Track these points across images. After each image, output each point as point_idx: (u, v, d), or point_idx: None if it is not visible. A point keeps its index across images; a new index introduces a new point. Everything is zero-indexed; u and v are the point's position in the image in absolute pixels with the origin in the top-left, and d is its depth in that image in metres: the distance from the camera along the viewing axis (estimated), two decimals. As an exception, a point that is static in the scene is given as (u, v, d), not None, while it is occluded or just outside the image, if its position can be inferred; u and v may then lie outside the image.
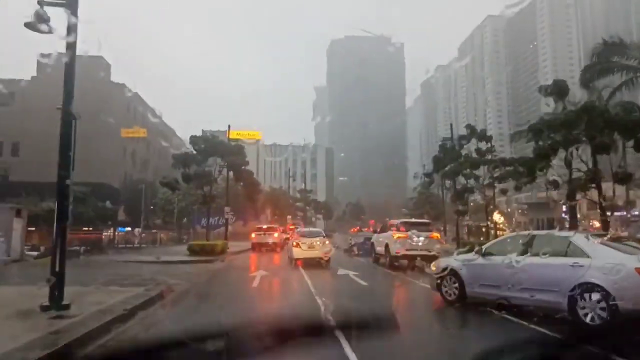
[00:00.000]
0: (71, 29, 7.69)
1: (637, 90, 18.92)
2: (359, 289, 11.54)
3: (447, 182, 33.31)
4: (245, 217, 51.45)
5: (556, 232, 8.84)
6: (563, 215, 33.06)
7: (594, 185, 16.37)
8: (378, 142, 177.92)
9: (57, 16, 7.73)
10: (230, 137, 29.72)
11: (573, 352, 1.90)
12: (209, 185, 26.16)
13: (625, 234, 20.64)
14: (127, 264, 18.04)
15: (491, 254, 8.17)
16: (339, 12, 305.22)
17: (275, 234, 29.82)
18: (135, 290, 9.92)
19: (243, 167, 28.91)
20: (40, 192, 30.57)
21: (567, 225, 22.56)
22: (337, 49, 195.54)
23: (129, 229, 54.00)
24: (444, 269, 8.75)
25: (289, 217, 59.32)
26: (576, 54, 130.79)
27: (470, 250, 9.99)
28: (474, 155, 26.23)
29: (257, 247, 28.35)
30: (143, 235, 51.79)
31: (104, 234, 42.77)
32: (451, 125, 33.57)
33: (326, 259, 16.94)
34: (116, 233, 47.59)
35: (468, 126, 27.47)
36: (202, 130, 26.94)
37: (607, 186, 18.67)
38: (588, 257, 6.66)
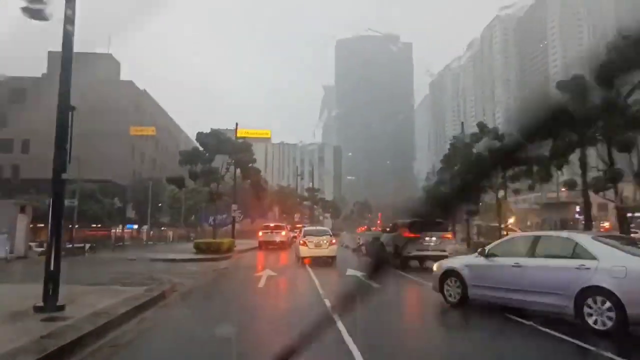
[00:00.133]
0: (68, 16, 7.28)
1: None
2: (370, 290, 11.01)
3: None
4: (252, 215, 51.20)
5: (561, 233, 8.42)
6: (577, 215, 32.31)
7: (613, 185, 15.69)
8: (386, 141, 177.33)
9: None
10: (239, 135, 29.45)
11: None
12: (216, 182, 25.80)
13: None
14: (133, 262, 17.76)
15: (495, 255, 7.93)
16: (347, 11, 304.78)
17: (283, 233, 29.51)
18: (136, 290, 9.55)
19: (250, 165, 28.55)
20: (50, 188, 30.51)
21: (583, 226, 21.86)
22: (345, 49, 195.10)
23: (136, 226, 54.15)
24: (446, 271, 8.55)
25: (296, 215, 58.95)
26: (586, 54, 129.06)
27: None
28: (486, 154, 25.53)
29: (264, 245, 28.10)
30: (151, 232, 51.88)
31: (113, 231, 42.90)
32: (462, 123, 32.89)
33: (332, 256, 17.86)
34: (124, 230, 47.69)
35: (480, 124, 26.82)
36: (211, 128, 26.55)
37: (620, 186, 18.00)
38: (595, 259, 6.35)
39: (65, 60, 7.32)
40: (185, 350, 5.70)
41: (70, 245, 20.97)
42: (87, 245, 25.27)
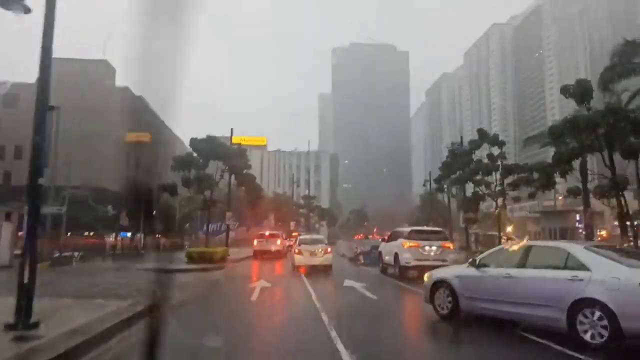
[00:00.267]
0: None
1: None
2: (368, 303, 10.50)
3: (453, 189, 32.29)
4: (248, 223, 50.50)
5: (553, 243, 8.38)
6: (577, 224, 31.88)
7: (617, 192, 15.24)
8: (382, 148, 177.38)
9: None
10: (235, 142, 28.95)
11: None
12: (210, 189, 25.19)
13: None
14: (121, 272, 17.11)
15: (486, 266, 7.70)
16: (344, 20, 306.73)
17: (278, 241, 28.90)
18: (119, 304, 8.94)
19: (245, 171, 27.97)
20: (43, 195, 29.78)
21: (583, 235, 21.40)
22: (342, 57, 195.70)
23: (130, 234, 53.21)
24: (437, 281, 8.31)
25: (292, 223, 58.31)
26: (582, 63, 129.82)
27: None
28: (485, 161, 25.15)
29: (259, 254, 27.51)
30: (146, 240, 50.93)
31: (106, 239, 42.02)
32: (461, 130, 32.52)
33: (327, 265, 17.83)
34: (118, 238, 46.82)
35: (480, 131, 26.43)
36: (207, 135, 25.94)
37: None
38: (588, 270, 6.15)
39: (44, 50, 6.75)
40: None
41: (58, 255, 20.26)
42: (78, 254, 24.48)
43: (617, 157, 17.28)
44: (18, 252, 20.82)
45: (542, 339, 6.31)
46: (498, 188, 24.98)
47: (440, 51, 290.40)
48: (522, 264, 7.10)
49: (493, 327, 7.31)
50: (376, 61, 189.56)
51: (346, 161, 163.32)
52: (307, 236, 22.65)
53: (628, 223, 17.72)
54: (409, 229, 17.23)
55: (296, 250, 18.52)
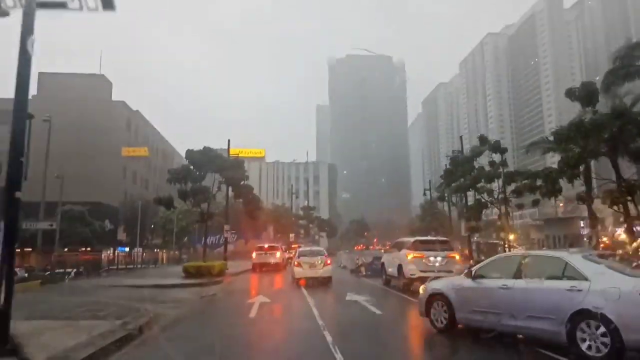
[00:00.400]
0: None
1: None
2: (373, 319, 9.93)
3: (454, 198, 31.82)
4: (246, 235, 49.87)
5: (551, 252, 8.05)
6: (581, 231, 31.33)
7: (629, 197, 14.75)
8: (380, 158, 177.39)
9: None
10: (232, 153, 28.52)
11: None
12: (207, 202, 24.65)
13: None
14: (115, 289, 16.49)
15: (482, 277, 7.45)
16: (341, 31, 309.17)
17: (277, 254, 28.29)
18: (109, 324, 8.36)
19: (243, 182, 27.43)
20: (38, 212, 29.24)
21: (590, 243, 20.85)
22: (339, 68, 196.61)
23: (127, 249, 52.50)
24: (432, 294, 8.10)
25: (291, 235, 57.64)
26: (578, 70, 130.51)
27: None
28: (487, 168, 24.71)
29: (258, 267, 26.93)
30: (144, 255, 50.28)
31: (104, 254, 41.30)
32: (461, 138, 32.16)
33: (327, 277, 17.81)
34: (116, 253, 46.09)
35: (481, 137, 26.04)
36: (204, 146, 25.46)
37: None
38: (586, 280, 5.93)
39: (22, 52, 6.28)
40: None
41: (49, 272, 19.61)
42: (72, 271, 23.84)
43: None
44: (21, 268, 20.26)
45: (554, 353, 6.09)
46: (501, 196, 24.44)
47: (436, 60, 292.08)
48: (519, 275, 6.83)
49: (513, 343, 6.77)
50: (373, 72, 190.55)
51: (345, 172, 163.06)
52: (307, 248, 22.49)
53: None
54: (412, 239, 16.68)
55: (296, 263, 18.51)
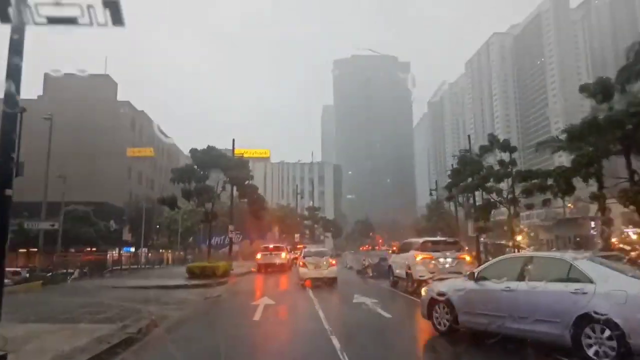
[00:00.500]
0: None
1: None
2: (382, 323, 9.56)
3: (460, 198, 31.35)
4: (251, 235, 49.56)
5: (555, 254, 7.88)
6: (592, 231, 30.75)
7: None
8: (385, 159, 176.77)
9: None
10: (237, 154, 28.28)
11: None
12: (211, 201, 24.35)
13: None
14: (118, 290, 16.22)
15: (485, 279, 7.27)
16: (342, 35, 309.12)
17: (283, 254, 27.98)
18: (107, 328, 8.05)
19: (247, 182, 27.13)
20: (46, 212, 29.14)
21: (605, 244, 20.34)
22: (344, 68, 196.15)
23: (133, 249, 52.43)
24: (434, 296, 7.93)
25: (296, 235, 57.32)
26: (584, 70, 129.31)
27: None
28: (496, 167, 24.25)
29: (263, 268, 26.62)
30: (149, 255, 50.15)
31: (109, 254, 41.16)
32: (469, 136, 31.68)
33: (332, 278, 17.81)
34: (121, 253, 45.99)
35: (490, 136, 25.58)
36: (207, 145, 25.21)
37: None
38: (592, 282, 5.76)
39: (12, 43, 5.97)
40: None
41: (50, 273, 19.36)
42: (76, 271, 23.61)
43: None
44: (26, 268, 19.98)
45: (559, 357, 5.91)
46: (510, 195, 23.97)
47: (441, 61, 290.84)
48: (522, 277, 6.65)
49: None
50: (377, 72, 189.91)
51: (350, 172, 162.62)
52: (312, 249, 22.33)
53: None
54: (421, 239, 16.27)
55: (301, 263, 18.62)
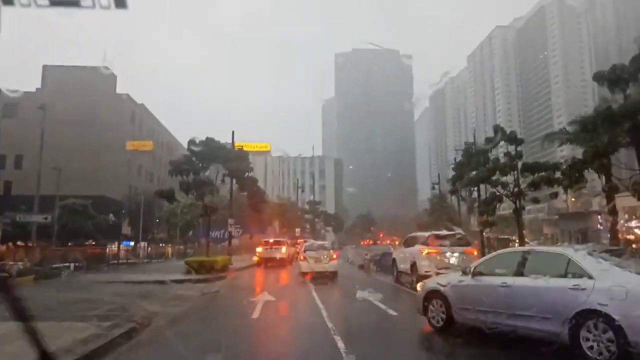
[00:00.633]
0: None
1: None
2: (388, 321, 9.04)
3: (463, 192, 30.79)
4: (252, 229, 49.07)
5: (553, 248, 7.83)
6: (599, 226, 30.22)
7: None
8: (386, 153, 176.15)
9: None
10: (237, 147, 27.76)
11: None
12: (210, 194, 23.81)
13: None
14: (113, 285, 15.72)
15: (481, 274, 7.10)
16: (342, 34, 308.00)
17: (283, 249, 27.55)
18: (96, 326, 7.52)
19: (247, 174, 26.56)
20: (43, 205, 28.37)
21: (614, 238, 19.73)
22: (345, 62, 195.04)
23: (132, 243, 51.99)
24: (429, 292, 7.81)
25: (297, 229, 56.86)
26: (587, 64, 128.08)
27: None
28: (502, 160, 23.65)
29: (264, 262, 26.22)
30: (149, 249, 49.68)
31: (108, 248, 40.66)
32: (474, 129, 31.02)
33: (333, 272, 17.93)
34: (120, 247, 45.51)
35: (496, 127, 24.97)
36: (206, 137, 24.60)
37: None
38: (591, 278, 5.58)
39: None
40: None
41: (44, 267, 18.84)
42: (72, 265, 23.09)
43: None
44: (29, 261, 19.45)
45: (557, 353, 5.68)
46: (516, 189, 23.35)
47: (442, 60, 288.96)
48: (520, 272, 6.48)
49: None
50: (379, 66, 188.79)
51: (351, 166, 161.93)
52: (312, 243, 22.29)
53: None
54: (427, 233, 15.72)
55: (301, 257, 18.77)
